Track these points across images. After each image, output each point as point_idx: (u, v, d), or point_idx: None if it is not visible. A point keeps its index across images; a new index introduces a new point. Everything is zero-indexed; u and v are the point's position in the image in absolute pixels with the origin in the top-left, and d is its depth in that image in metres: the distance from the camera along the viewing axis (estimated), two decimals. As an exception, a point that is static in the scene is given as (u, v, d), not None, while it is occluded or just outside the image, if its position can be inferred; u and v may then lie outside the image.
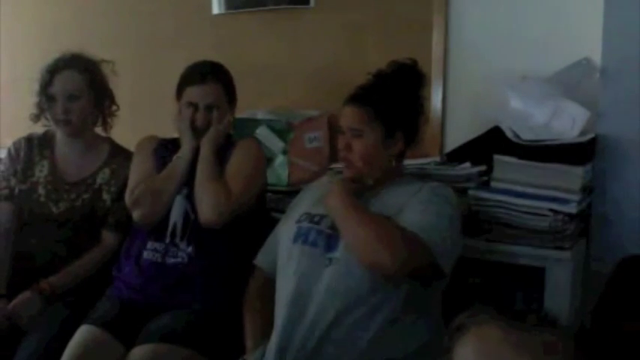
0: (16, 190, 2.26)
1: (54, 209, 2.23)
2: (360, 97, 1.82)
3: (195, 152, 2.10)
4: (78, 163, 2.30)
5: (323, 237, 1.76)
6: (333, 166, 2.30)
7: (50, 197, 2.24)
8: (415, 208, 1.72)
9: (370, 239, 1.66)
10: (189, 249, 2.03)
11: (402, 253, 1.63)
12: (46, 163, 2.29)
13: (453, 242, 1.71)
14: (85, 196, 2.24)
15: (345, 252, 1.71)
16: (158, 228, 2.06)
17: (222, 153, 2.12)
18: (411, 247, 1.64)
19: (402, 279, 1.67)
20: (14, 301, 2.07)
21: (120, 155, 2.32)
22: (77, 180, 2.27)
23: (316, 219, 1.80)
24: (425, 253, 1.65)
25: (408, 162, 1.99)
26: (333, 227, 1.76)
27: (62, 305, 2.09)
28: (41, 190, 2.25)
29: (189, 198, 2.06)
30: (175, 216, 2.06)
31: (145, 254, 2.06)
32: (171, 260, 2.03)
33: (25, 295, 2.08)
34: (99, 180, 2.26)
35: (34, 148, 2.32)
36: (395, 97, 1.82)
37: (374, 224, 1.68)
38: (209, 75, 2.10)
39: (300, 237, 1.78)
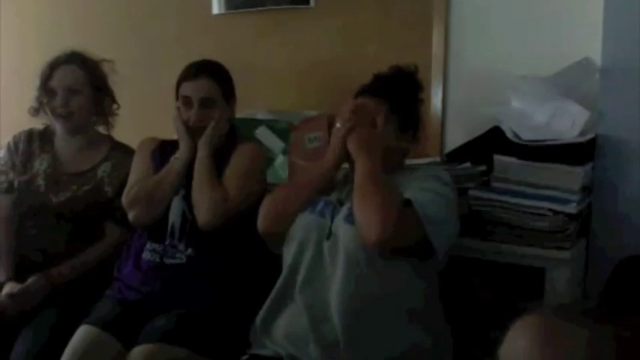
0: (16, 183, 2.27)
1: (54, 199, 2.23)
2: (376, 91, 1.85)
3: (194, 152, 2.10)
4: (78, 158, 2.31)
5: (331, 207, 1.79)
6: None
7: (50, 188, 2.24)
8: (413, 186, 1.74)
9: (370, 211, 1.67)
10: (188, 250, 2.03)
11: (390, 231, 1.63)
12: (46, 156, 2.30)
13: (448, 221, 1.73)
14: (86, 187, 2.25)
15: (343, 223, 1.73)
16: (157, 229, 2.06)
17: (223, 153, 2.12)
18: (405, 226, 1.65)
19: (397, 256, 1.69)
20: (22, 285, 2.07)
21: (120, 150, 2.33)
22: (77, 172, 2.27)
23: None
24: (417, 228, 1.66)
25: (408, 162, 1.99)
26: (339, 200, 1.80)
27: (61, 301, 2.09)
28: (40, 181, 2.25)
29: (187, 199, 2.06)
30: (173, 217, 2.06)
31: (144, 255, 2.06)
32: (169, 261, 2.04)
33: (33, 280, 2.08)
34: (100, 172, 2.27)
35: (35, 141, 2.33)
36: (406, 95, 1.88)
37: (382, 198, 1.68)
38: (202, 70, 2.11)
39: (309, 206, 1.82)
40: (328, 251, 1.74)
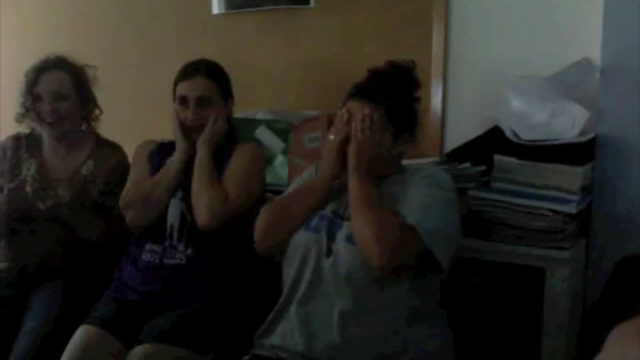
0: (5, 190, 2.27)
1: (41, 206, 2.22)
2: (371, 94, 1.78)
3: (191, 153, 2.10)
4: (65, 160, 2.31)
5: (325, 222, 1.76)
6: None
7: (37, 195, 2.24)
8: (412, 195, 1.71)
9: (367, 233, 1.64)
10: (188, 250, 2.03)
11: (390, 250, 1.60)
12: (33, 162, 2.30)
13: (450, 231, 1.70)
14: (72, 191, 2.24)
15: (345, 243, 1.70)
16: (156, 230, 2.07)
17: (223, 153, 2.12)
18: (404, 242, 1.62)
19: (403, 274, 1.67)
20: None
21: (104, 147, 2.33)
22: (64, 177, 2.27)
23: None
24: (419, 246, 1.63)
25: (408, 162, 1.99)
26: (335, 212, 1.77)
27: (60, 298, 2.10)
28: (28, 189, 2.25)
29: (185, 200, 2.06)
30: (171, 218, 2.06)
31: (144, 256, 2.06)
32: (169, 261, 2.04)
33: None
34: (83, 172, 2.27)
35: (22, 146, 2.33)
36: (403, 97, 1.81)
37: (376, 218, 1.66)
38: (198, 69, 2.11)
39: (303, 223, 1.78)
40: (329, 269, 1.71)
